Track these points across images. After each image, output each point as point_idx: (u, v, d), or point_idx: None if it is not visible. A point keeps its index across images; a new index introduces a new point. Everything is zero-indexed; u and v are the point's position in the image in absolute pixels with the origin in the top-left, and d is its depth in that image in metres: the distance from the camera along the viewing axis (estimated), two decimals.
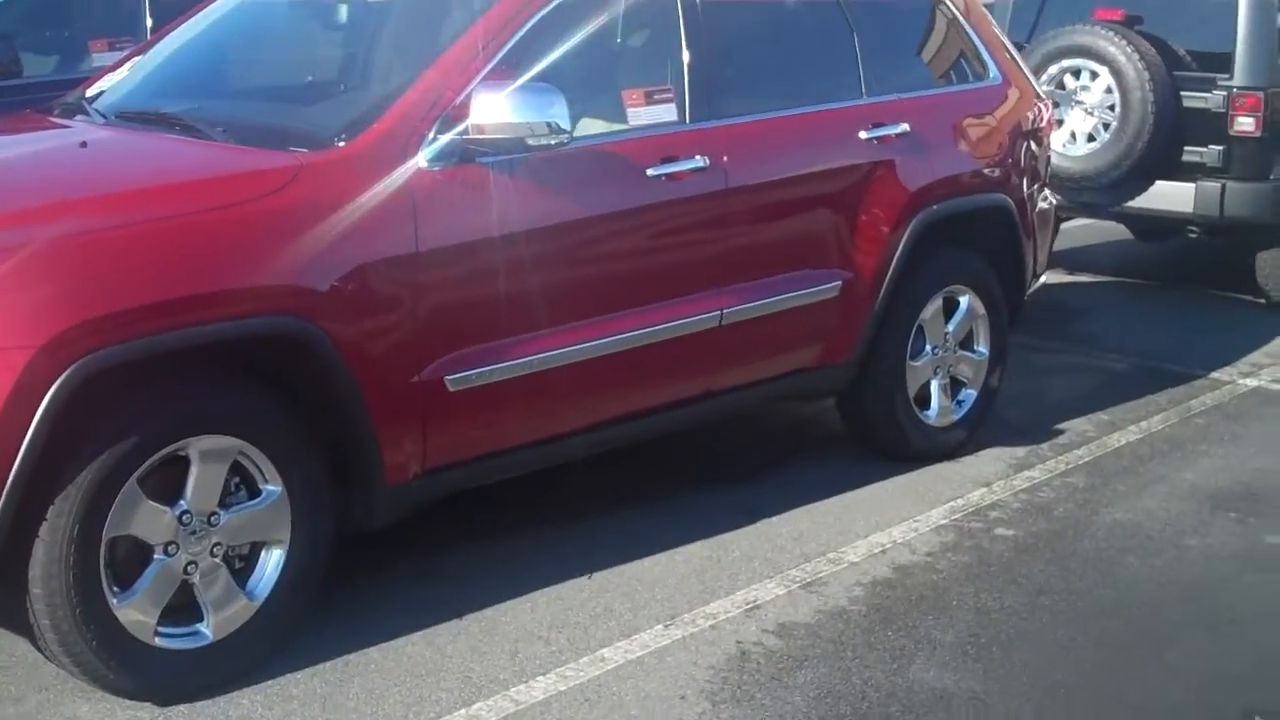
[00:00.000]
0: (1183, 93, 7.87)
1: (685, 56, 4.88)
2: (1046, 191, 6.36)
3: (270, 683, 3.94)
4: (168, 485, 3.75)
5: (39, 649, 3.75)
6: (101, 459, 3.57)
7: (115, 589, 3.70)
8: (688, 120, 4.85)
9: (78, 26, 6.93)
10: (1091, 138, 8.04)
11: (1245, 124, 7.80)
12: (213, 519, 3.82)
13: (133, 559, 3.74)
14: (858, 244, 5.35)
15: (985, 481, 5.58)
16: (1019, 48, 8.12)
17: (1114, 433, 6.16)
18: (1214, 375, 7.00)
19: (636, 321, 4.65)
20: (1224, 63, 7.86)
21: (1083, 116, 8.05)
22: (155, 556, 3.74)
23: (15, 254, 3.49)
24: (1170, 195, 8.03)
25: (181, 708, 3.80)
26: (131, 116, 4.59)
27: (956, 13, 5.95)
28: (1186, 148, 7.93)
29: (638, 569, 4.70)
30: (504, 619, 4.34)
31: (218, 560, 3.85)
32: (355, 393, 3.99)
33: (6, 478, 3.44)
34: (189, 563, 3.79)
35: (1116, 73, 7.82)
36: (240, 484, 3.91)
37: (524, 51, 4.46)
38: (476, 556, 4.73)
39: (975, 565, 4.82)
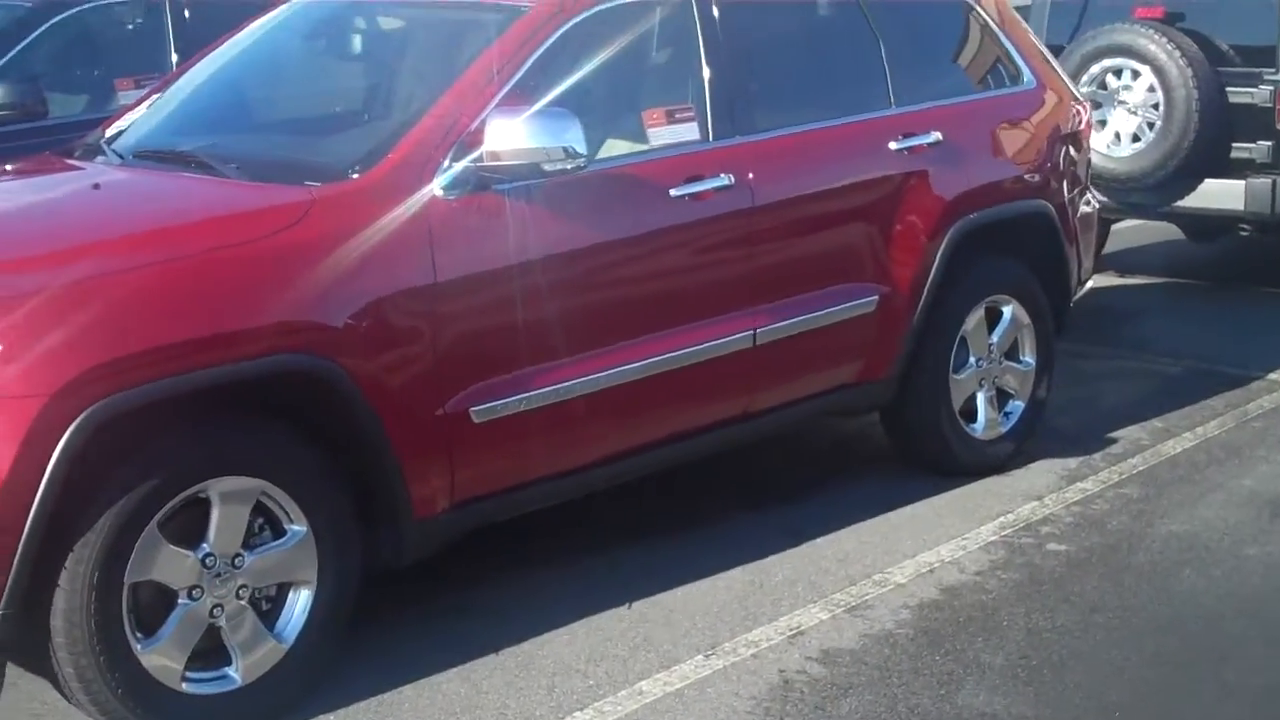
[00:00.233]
0: (1228, 88, 7.69)
1: (705, 73, 4.79)
2: (1089, 195, 6.21)
3: None
4: (190, 528, 3.69)
5: (65, 696, 3.69)
6: (120, 504, 3.51)
7: (139, 635, 3.64)
8: (710, 138, 4.75)
9: (106, 66, 6.92)
10: (1136, 138, 7.87)
11: None
12: (237, 561, 3.75)
13: (157, 604, 3.68)
14: (893, 257, 5.24)
15: (1036, 495, 5.43)
16: (1059, 49, 8.05)
17: (1168, 440, 5.99)
18: (1271, 376, 6.80)
19: (666, 345, 4.56)
20: (1269, 57, 7.68)
21: (1126, 116, 7.89)
22: (179, 601, 3.68)
23: (26, 301, 3.45)
24: (1219, 193, 7.84)
25: None
26: (148, 155, 4.55)
27: (987, 17, 5.82)
28: (1234, 144, 7.75)
29: (677, 597, 4.60)
30: (541, 653, 4.25)
31: (244, 603, 3.78)
32: (377, 428, 3.92)
33: (24, 526, 3.39)
34: (214, 606, 3.73)
35: (1158, 71, 7.66)
36: (265, 524, 3.85)
37: (539, 76, 4.39)
38: (511, 589, 4.64)
39: (1026, 583, 4.68)
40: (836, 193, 5.10)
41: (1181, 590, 4.63)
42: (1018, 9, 9.33)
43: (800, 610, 4.50)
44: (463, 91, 4.29)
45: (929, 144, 5.33)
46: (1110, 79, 7.91)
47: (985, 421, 5.63)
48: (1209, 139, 7.64)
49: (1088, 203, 6.17)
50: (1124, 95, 7.87)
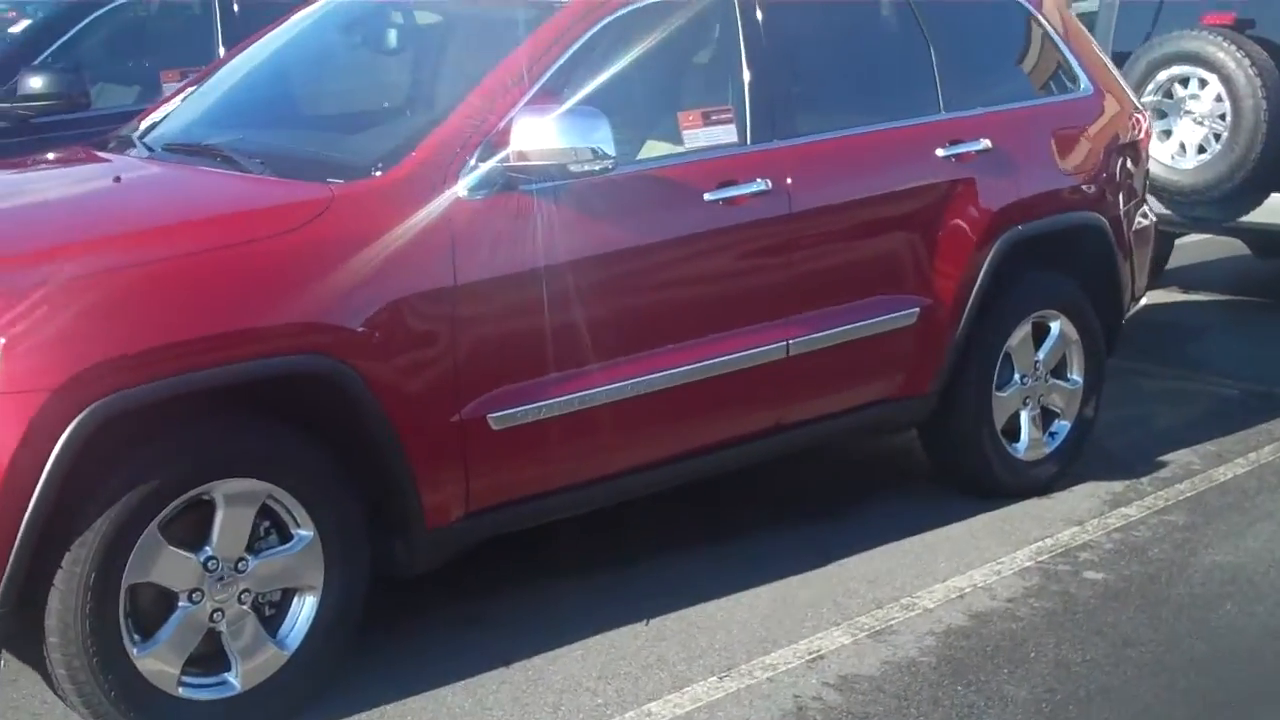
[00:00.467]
0: None
1: (746, 75, 4.66)
2: (1146, 208, 6.02)
3: None
4: (194, 530, 3.62)
5: (60, 697, 3.63)
6: (119, 505, 3.44)
7: (136, 637, 3.57)
8: (749, 141, 4.62)
9: (154, 58, 6.88)
10: (1202, 149, 7.64)
11: None
12: (240, 565, 3.68)
13: (157, 606, 3.61)
14: (937, 268, 5.08)
15: (1077, 519, 5.26)
16: (1125, 56, 7.84)
17: (1220, 465, 5.80)
18: None
19: (694, 354, 4.44)
20: None
21: (1192, 127, 7.66)
22: (179, 604, 3.61)
23: (29, 295, 3.38)
24: None
25: None
26: (177, 149, 4.49)
27: (1044, 21, 5.65)
28: None
29: (697, 614, 4.48)
30: (552, 668, 4.15)
31: (246, 607, 3.71)
32: (390, 433, 3.83)
33: (20, 524, 3.32)
34: (215, 610, 3.65)
35: (1226, 80, 7.43)
36: (271, 528, 3.77)
37: (571, 75, 4.28)
38: (527, 600, 4.54)
39: (1059, 612, 4.52)
40: (878, 200, 4.95)
41: (1221, 625, 4.45)
42: (1083, 14, 9.17)
43: (822, 633, 4.37)
44: (491, 89, 4.19)
45: (977, 151, 5.17)
46: (1176, 88, 7.69)
47: (1028, 441, 5.47)
48: (1277, 152, 7.40)
49: (1145, 215, 5.99)
50: (1190, 105, 7.64)
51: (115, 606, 3.49)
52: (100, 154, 4.52)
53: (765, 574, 4.74)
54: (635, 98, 4.62)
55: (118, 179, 4.12)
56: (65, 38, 6.58)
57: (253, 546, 3.71)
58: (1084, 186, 5.56)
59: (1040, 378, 5.48)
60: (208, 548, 3.62)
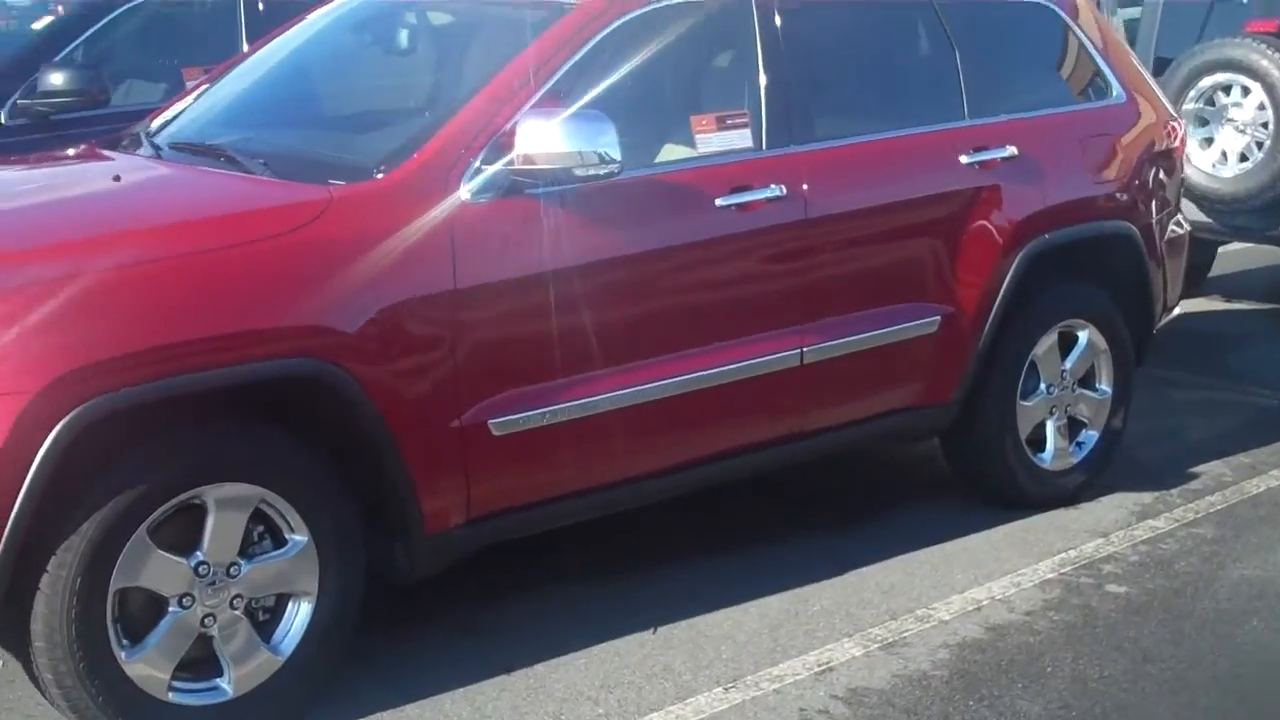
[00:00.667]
0: None
1: (762, 79, 4.57)
2: (1180, 217, 5.89)
3: None
4: (184, 534, 3.58)
5: (49, 701, 3.60)
6: (106, 509, 3.40)
7: (125, 642, 3.53)
8: (764, 147, 4.54)
9: (178, 55, 6.88)
10: (1244, 157, 7.47)
11: None
12: (232, 570, 3.63)
13: (147, 611, 3.57)
14: (959, 276, 4.98)
15: (1102, 531, 5.14)
16: (1167, 63, 7.70)
17: (1254, 477, 5.66)
18: None
19: (703, 362, 4.36)
20: None
21: (1234, 135, 7.49)
22: (169, 609, 3.56)
23: (15, 295, 3.35)
24: None
25: None
26: (183, 148, 4.46)
27: (1074, 26, 5.54)
28: None
29: (707, 623, 4.40)
30: (554, 675, 4.08)
31: (238, 613, 3.66)
32: (387, 438, 3.77)
33: (3, 528, 3.28)
34: (206, 615, 3.61)
35: (1269, 88, 7.26)
36: (265, 533, 3.72)
37: (580, 78, 4.21)
38: (530, 606, 4.47)
39: (1078, 626, 4.41)
40: (898, 207, 4.85)
41: (1246, 642, 4.33)
42: (1129, 20, 9.03)
43: (833, 644, 4.28)
44: (497, 92, 4.13)
45: (1003, 158, 5.06)
46: (1219, 95, 7.53)
47: (1054, 451, 5.35)
48: None
49: (1178, 224, 5.86)
50: (1232, 113, 7.48)
51: (102, 611, 3.45)
52: (105, 153, 4.50)
53: (778, 583, 4.65)
54: (647, 102, 4.58)
55: (117, 178, 4.09)
56: (87, 34, 6.59)
57: (246, 551, 3.67)
58: (1115, 195, 5.44)
59: (1067, 387, 5.36)
60: (199, 552, 3.58)
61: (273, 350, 3.58)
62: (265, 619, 3.75)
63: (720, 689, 4.02)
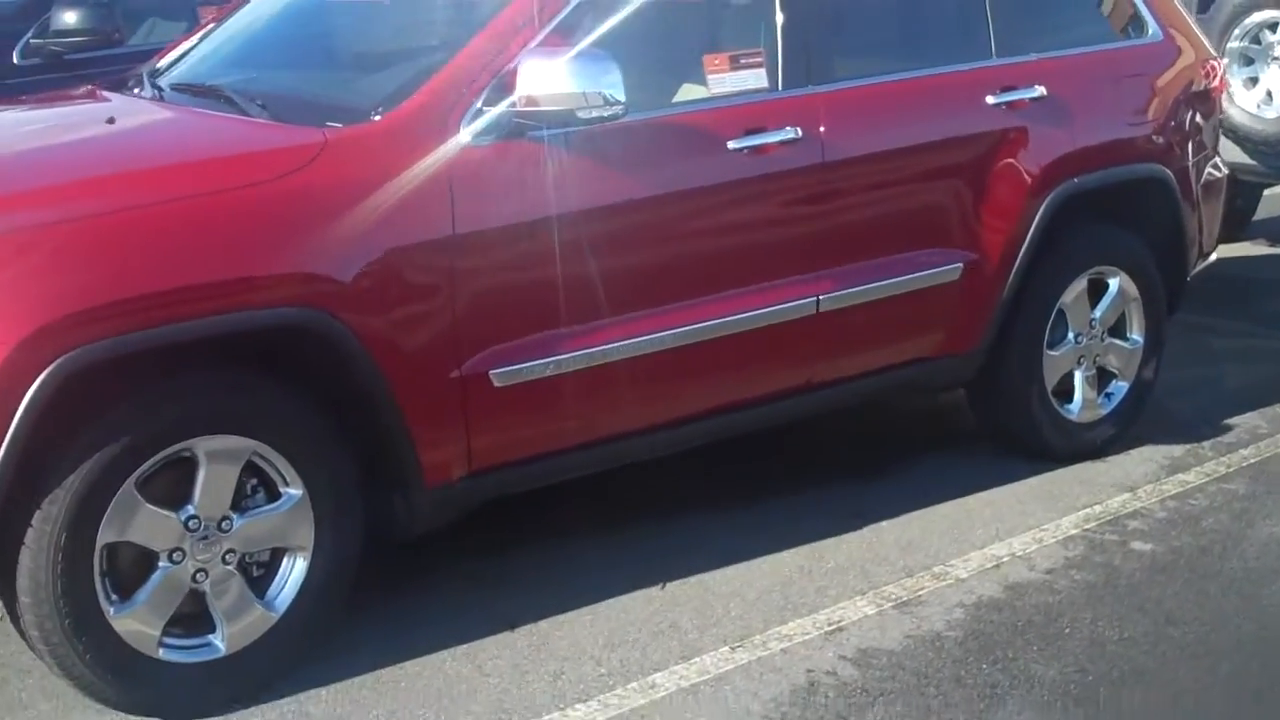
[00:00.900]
0: None
1: (779, 17, 4.41)
2: (1218, 160, 5.69)
3: (288, 700, 3.66)
4: (175, 488, 3.49)
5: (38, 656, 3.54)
6: (92, 462, 3.32)
7: (114, 598, 3.45)
8: (780, 87, 4.38)
9: None
10: None
11: None
12: (224, 524, 3.55)
13: (138, 566, 3.49)
14: (984, 221, 4.82)
15: (1130, 485, 5.00)
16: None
17: None
18: None
19: (713, 310, 4.23)
20: None
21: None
22: (159, 564, 3.49)
23: None
24: None
25: None
26: (184, 89, 4.36)
27: None
28: None
29: (717, 579, 4.29)
30: (557, 633, 3.99)
31: (231, 568, 3.58)
32: (383, 389, 3.67)
33: None
34: (198, 570, 3.53)
35: None
36: (258, 486, 3.63)
37: (586, 15, 4.05)
38: (536, 560, 4.38)
39: (1099, 586, 4.28)
40: (920, 150, 4.69)
41: (1273, 604, 4.19)
42: None
43: (845, 602, 4.17)
44: (499, 29, 3.99)
45: (1031, 99, 4.88)
46: (1265, 33, 7.27)
47: (1082, 402, 5.20)
48: None
49: (1216, 168, 5.65)
50: (1278, 51, 7.24)
51: (89, 566, 3.38)
52: (104, 94, 4.40)
53: (793, 537, 4.54)
54: (660, 41, 4.43)
55: (110, 121, 3.99)
56: None
57: (238, 505, 3.58)
58: (1148, 137, 5.25)
59: (1096, 336, 5.20)
60: (190, 506, 3.49)
61: (262, 299, 3.48)
62: (259, 574, 3.67)
63: (727, 648, 3.92)
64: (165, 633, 3.53)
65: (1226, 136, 7.20)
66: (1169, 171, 5.26)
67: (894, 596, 4.21)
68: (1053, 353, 5.09)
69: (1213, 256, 5.72)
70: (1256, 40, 7.31)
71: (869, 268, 4.58)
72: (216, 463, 3.51)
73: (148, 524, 3.44)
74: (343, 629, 3.85)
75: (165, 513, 3.46)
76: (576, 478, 4.28)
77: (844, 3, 4.68)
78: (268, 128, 3.88)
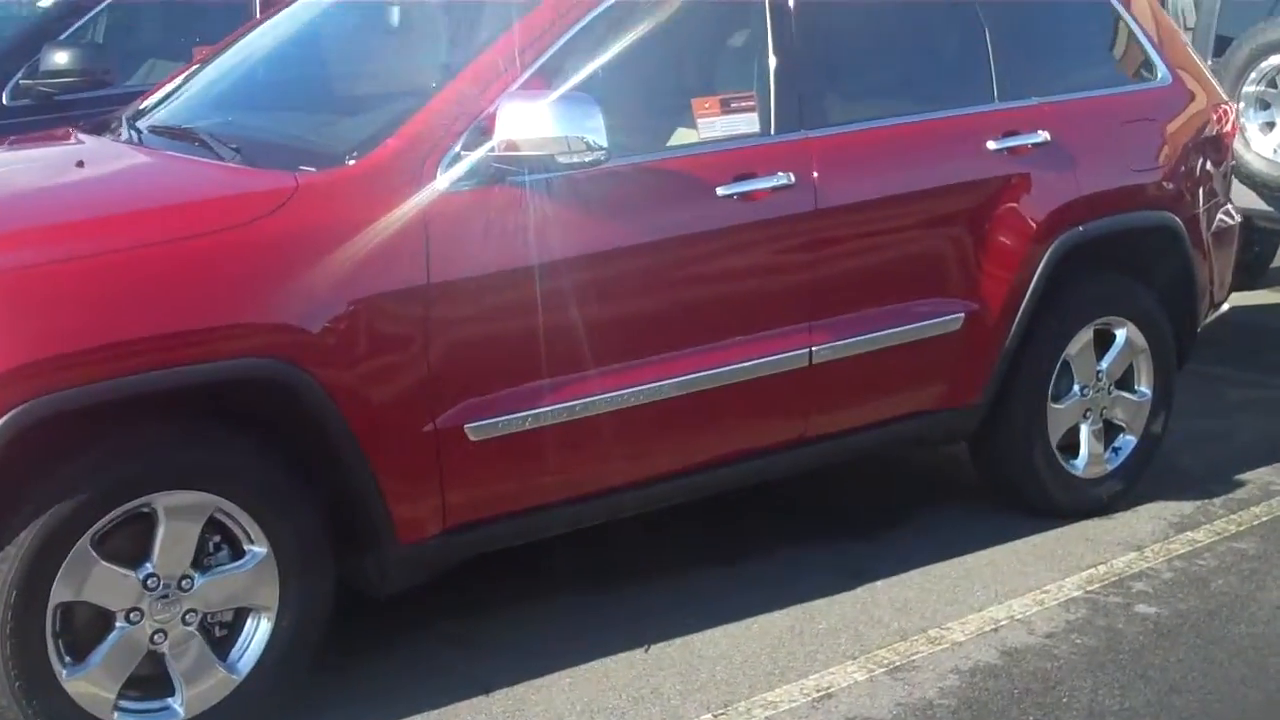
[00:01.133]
0: None
1: (772, 59, 4.29)
2: (1230, 207, 5.54)
3: None
4: (133, 545, 3.36)
5: None
6: (45, 518, 3.19)
7: (68, 659, 3.32)
8: (772, 131, 4.26)
9: (199, 34, 6.68)
10: None
11: None
12: (185, 583, 3.42)
13: (94, 626, 3.36)
14: (986, 270, 4.68)
15: (1136, 544, 4.83)
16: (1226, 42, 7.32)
17: None
18: None
19: (701, 362, 4.09)
20: None
21: None
22: (116, 624, 3.35)
23: None
24: None
25: None
26: (161, 131, 4.25)
27: (1115, 3, 5.20)
28: None
29: (704, 641, 4.14)
30: (534, 697, 3.84)
31: (192, 629, 3.45)
32: (352, 444, 3.54)
33: None
34: (156, 631, 3.40)
35: None
36: (222, 543, 3.50)
37: (571, 58, 3.95)
38: (515, 619, 4.23)
39: (1101, 651, 4.11)
40: (919, 197, 4.56)
41: None
42: None
43: (836, 667, 4.01)
44: (479, 72, 3.89)
45: (1034, 144, 4.75)
46: None
47: (1088, 457, 5.04)
48: None
49: (1228, 215, 5.51)
50: None
51: (41, 626, 3.24)
52: (81, 136, 4.30)
53: (787, 596, 4.40)
54: (649, 84, 4.32)
55: (80, 164, 3.88)
56: (93, 12, 6.41)
57: (200, 563, 3.45)
58: (1156, 184, 5.10)
59: (1103, 389, 5.05)
60: (148, 564, 3.37)
61: (226, 350, 3.35)
62: (222, 635, 3.53)
63: (709, 715, 3.76)
64: (121, 695, 3.39)
65: (1242, 182, 7.07)
66: (1178, 219, 5.12)
67: (886, 661, 4.05)
68: (1057, 406, 4.94)
69: (1225, 307, 5.56)
70: (1273, 84, 7.15)
71: (865, 318, 4.44)
72: (177, 519, 3.38)
73: (104, 582, 3.31)
74: (309, 692, 3.70)
75: (123, 571, 3.34)
76: (559, 534, 4.14)
77: (839, 44, 4.56)
78: (238, 172, 3.77)
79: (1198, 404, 6.04)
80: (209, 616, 3.49)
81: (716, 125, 4.19)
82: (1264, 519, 5.02)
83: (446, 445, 3.70)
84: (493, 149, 3.72)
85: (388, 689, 3.85)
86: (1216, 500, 5.18)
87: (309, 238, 3.51)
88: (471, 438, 3.73)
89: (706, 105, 4.19)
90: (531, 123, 3.69)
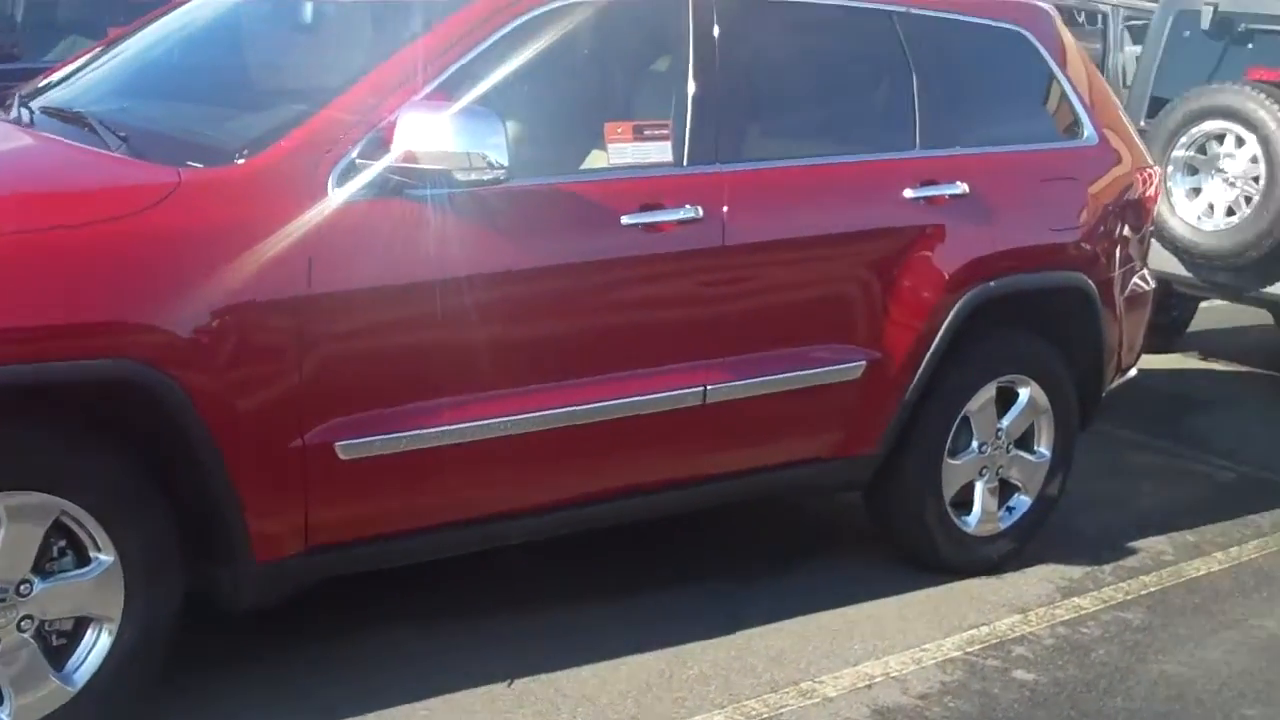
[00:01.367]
0: None
1: (690, 88, 4.19)
2: (1145, 273, 5.50)
3: None
4: None
5: None
6: None
7: None
8: (685, 162, 4.16)
9: (126, 14, 6.50)
10: (1231, 211, 7.10)
11: None
12: (23, 588, 3.26)
13: None
14: (892, 319, 4.60)
15: (1021, 607, 4.77)
16: (1163, 104, 7.32)
17: (1195, 558, 5.29)
18: None
19: (590, 393, 3.98)
20: None
21: (1223, 187, 7.12)
22: None
23: None
24: None
25: None
26: (53, 114, 4.08)
27: (1048, 58, 5.14)
28: None
29: (570, 679, 4.03)
30: None
31: (27, 635, 3.29)
32: (213, 454, 3.39)
33: None
34: None
35: (1265, 140, 6.87)
36: (67, 548, 3.35)
37: (481, 72, 3.82)
38: (363, 649, 4.07)
39: (974, 716, 4.03)
40: (829, 240, 4.47)
41: None
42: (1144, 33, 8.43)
43: (702, 716, 3.91)
44: (382, 80, 3.76)
45: (952, 195, 4.68)
46: (1211, 144, 7.14)
47: (981, 515, 4.97)
48: None
49: (1143, 280, 5.47)
50: (1224, 164, 7.10)
51: None
52: None
53: (660, 637, 4.29)
54: (559, 105, 4.19)
55: None
56: None
57: (42, 568, 3.30)
58: (1074, 243, 5.04)
59: (1002, 447, 4.98)
60: None
61: (82, 348, 3.20)
62: (60, 644, 3.38)
63: None
64: None
65: (1164, 246, 7.07)
66: (1091, 281, 5.06)
67: (754, 713, 3.95)
68: (954, 461, 4.87)
69: (1133, 372, 5.52)
70: (1203, 150, 7.18)
71: (764, 359, 4.35)
72: (18, 521, 3.22)
73: None
74: (146, 709, 3.55)
75: None
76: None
77: (762, 78, 4.48)
78: (121, 163, 3.61)
79: (1101, 466, 6.01)
80: (46, 624, 3.33)
81: (628, 152, 4.08)
82: (1153, 589, 4.98)
83: (315, 462, 3.56)
84: (390, 160, 3.59)
85: (235, 711, 3.71)
86: (1107, 567, 5.13)
87: (186, 237, 3.37)
88: (342, 456, 3.59)
89: (619, 130, 4.08)
90: (431, 135, 3.57)
